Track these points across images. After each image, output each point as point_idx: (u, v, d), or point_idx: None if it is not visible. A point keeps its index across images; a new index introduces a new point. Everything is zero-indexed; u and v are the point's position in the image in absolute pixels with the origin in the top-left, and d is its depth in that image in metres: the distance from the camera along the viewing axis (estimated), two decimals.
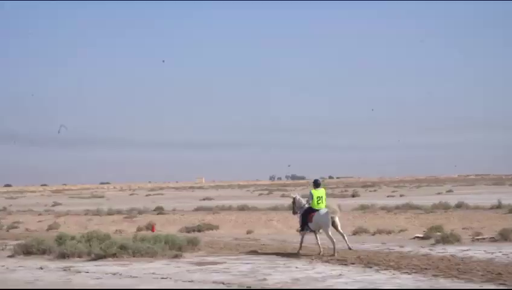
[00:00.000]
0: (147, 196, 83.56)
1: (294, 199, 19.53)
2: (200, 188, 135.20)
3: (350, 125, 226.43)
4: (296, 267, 15.75)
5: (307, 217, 18.76)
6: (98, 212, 34.52)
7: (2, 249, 21.23)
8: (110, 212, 34.34)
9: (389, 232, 23.76)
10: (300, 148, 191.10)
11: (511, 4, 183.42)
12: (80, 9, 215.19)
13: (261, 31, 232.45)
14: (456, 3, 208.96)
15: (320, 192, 18.75)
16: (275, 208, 35.44)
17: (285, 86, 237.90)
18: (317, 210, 18.48)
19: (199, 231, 26.98)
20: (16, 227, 31.43)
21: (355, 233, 24.17)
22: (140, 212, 34.71)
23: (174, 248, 19.31)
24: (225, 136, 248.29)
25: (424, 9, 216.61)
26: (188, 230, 27.07)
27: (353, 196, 63.15)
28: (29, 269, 16.95)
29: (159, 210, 35.36)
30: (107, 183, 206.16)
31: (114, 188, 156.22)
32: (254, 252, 19.28)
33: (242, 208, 37.24)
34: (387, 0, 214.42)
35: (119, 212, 34.64)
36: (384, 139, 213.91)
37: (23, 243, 19.86)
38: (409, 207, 32.87)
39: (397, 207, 32.68)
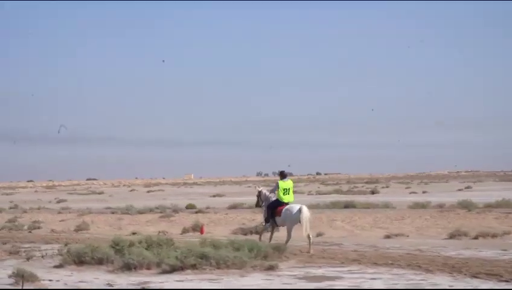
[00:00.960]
0: (148, 192, 79.81)
1: (259, 192, 18.75)
2: (194, 184, 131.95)
3: (350, 125, 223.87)
4: (450, 286, 12.21)
5: (274, 210, 17.89)
6: (127, 211, 30.75)
7: (43, 257, 17.34)
8: (140, 211, 30.58)
9: (493, 236, 20.21)
10: (287, 145, 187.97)
11: (511, 4, 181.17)
12: (80, 9, 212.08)
13: (261, 31, 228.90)
14: (456, 3, 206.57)
15: (287, 184, 18.14)
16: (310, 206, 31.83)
17: (282, 86, 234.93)
18: (286, 204, 17.77)
19: (257, 233, 23.27)
20: (38, 227, 27.50)
21: (452, 237, 20.58)
22: (174, 210, 30.95)
23: (260, 257, 15.77)
24: (211, 135, 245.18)
25: (424, 9, 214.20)
26: (245, 232, 23.43)
27: (373, 192, 59.91)
28: (94, 285, 13.26)
29: (192, 208, 31.65)
30: (94, 179, 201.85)
31: (105, 184, 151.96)
32: (356, 261, 15.78)
33: None
34: (387, 0, 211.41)
35: (151, 210, 30.91)
36: (384, 138, 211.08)
37: (75, 251, 16.01)
38: (466, 205, 29.46)
39: (458, 205, 29.22)
